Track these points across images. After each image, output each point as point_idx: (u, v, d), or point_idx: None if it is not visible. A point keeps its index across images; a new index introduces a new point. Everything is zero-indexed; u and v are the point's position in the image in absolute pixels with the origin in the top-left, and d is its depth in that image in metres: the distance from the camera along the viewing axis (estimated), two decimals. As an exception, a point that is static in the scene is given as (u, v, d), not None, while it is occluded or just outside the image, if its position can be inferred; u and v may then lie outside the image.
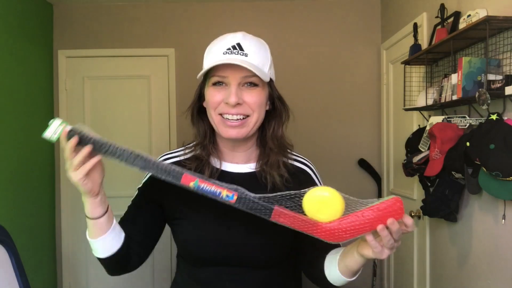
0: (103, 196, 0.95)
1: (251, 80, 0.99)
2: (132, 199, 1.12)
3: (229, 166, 1.08)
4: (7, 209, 2.69)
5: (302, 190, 0.86)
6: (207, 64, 0.99)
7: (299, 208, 0.87)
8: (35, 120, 3.09)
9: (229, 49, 0.97)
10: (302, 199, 0.86)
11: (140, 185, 1.12)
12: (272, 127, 1.07)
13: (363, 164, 3.38)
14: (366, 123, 3.41)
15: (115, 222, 0.99)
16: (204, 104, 1.06)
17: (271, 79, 1.04)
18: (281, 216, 0.86)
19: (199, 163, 1.05)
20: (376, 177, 3.36)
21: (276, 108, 1.07)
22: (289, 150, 1.11)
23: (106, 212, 0.96)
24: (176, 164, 0.99)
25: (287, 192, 0.88)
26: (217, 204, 0.90)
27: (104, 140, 0.88)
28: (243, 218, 0.94)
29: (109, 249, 0.99)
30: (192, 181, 0.88)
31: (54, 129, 0.87)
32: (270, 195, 0.88)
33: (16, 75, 2.84)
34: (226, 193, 0.87)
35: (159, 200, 1.08)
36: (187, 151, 1.09)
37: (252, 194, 0.87)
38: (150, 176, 1.08)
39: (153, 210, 1.09)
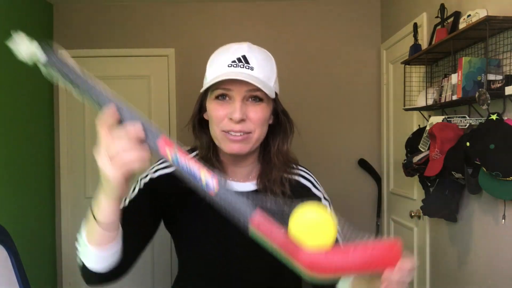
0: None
1: (256, 94, 0.94)
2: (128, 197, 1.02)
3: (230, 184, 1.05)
4: (7, 209, 2.69)
5: (293, 204, 0.71)
6: (211, 76, 0.94)
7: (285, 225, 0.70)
8: (35, 121, 3.09)
9: (234, 61, 0.92)
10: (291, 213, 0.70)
11: (139, 186, 1.03)
12: (277, 143, 1.03)
13: (363, 164, 3.38)
14: (366, 123, 3.41)
15: (120, 228, 0.83)
16: (205, 116, 1.01)
17: (276, 93, 0.99)
18: (260, 224, 0.68)
19: None
20: (376, 177, 3.36)
21: (280, 122, 1.03)
22: (293, 165, 1.06)
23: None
24: None
25: (279, 200, 0.76)
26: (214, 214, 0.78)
27: (81, 70, 0.73)
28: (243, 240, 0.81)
29: (109, 260, 0.82)
30: (171, 148, 0.69)
31: (27, 48, 0.70)
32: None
33: (15, 75, 2.84)
34: (205, 176, 0.68)
35: (160, 204, 1.02)
36: None
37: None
38: (150, 178, 1.03)
39: (152, 212, 1.01)
